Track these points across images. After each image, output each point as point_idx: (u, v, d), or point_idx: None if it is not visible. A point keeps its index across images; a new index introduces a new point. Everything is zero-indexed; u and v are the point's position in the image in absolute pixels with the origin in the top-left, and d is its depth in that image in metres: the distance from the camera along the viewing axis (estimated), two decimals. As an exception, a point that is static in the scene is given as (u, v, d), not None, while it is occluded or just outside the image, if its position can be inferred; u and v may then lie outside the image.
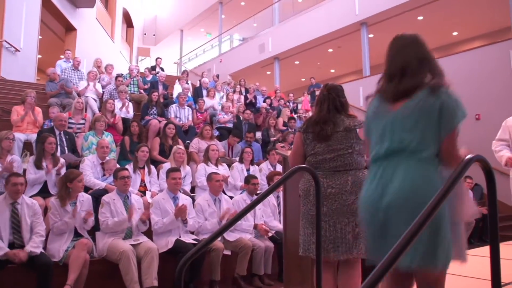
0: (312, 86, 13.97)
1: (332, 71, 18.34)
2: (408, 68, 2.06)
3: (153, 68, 12.55)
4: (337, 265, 2.84)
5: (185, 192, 5.49)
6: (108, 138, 6.22)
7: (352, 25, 13.62)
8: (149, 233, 4.73)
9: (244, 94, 11.50)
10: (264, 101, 10.83)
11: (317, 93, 13.44)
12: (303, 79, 17.56)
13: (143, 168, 5.70)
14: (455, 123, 1.87)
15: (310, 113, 11.76)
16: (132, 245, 4.32)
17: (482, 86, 9.68)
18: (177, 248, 4.38)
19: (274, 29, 16.82)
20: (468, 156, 1.39)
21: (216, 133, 8.55)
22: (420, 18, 13.19)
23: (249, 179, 5.40)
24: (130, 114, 8.12)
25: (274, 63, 16.59)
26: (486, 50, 10.36)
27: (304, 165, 2.68)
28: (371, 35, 13.81)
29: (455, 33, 14.40)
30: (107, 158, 5.64)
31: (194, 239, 4.66)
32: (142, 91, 10.09)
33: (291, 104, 11.85)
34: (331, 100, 2.95)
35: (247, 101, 10.83)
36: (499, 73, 9.54)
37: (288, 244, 3.45)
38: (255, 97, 11.10)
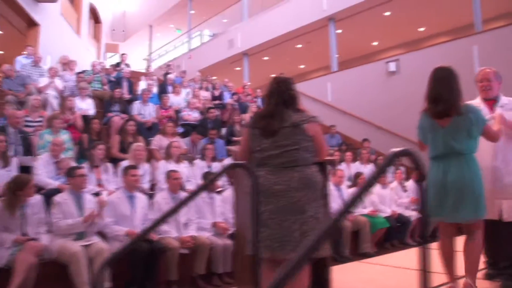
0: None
1: (302, 66, 18.34)
2: (445, 95, 3.12)
3: (118, 64, 12.30)
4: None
5: (143, 191, 5.35)
6: (64, 136, 6.03)
7: (320, 21, 13.61)
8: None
9: (210, 90, 11.38)
10: (231, 97, 10.74)
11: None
12: (273, 75, 17.50)
13: (99, 166, 5.55)
14: (484, 122, 3.18)
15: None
16: (85, 245, 4.18)
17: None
18: (132, 249, 4.26)
19: (243, 25, 16.72)
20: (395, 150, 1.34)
21: (181, 130, 8.43)
22: (388, 13, 13.26)
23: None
24: (92, 111, 7.92)
25: (243, 59, 16.49)
26: (450, 46, 10.49)
27: (240, 162, 2.60)
28: (339, 31, 13.83)
29: (421, 29, 14.53)
30: (62, 156, 5.46)
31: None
32: (106, 87, 9.87)
33: (259, 99, 11.76)
34: (280, 94, 2.87)
35: (213, 97, 10.71)
36: (462, 67, 9.50)
37: (239, 243, 3.38)
38: (221, 93, 10.99)
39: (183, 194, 5.13)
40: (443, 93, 3.10)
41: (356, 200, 1.31)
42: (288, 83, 2.93)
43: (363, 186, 1.27)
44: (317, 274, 2.95)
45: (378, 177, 1.28)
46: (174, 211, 2.08)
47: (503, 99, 3.70)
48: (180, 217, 4.88)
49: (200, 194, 5.06)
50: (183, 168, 5.98)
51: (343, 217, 1.41)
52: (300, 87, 11.48)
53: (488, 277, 3.83)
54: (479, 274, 3.53)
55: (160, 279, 4.54)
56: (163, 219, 2.12)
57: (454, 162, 3.11)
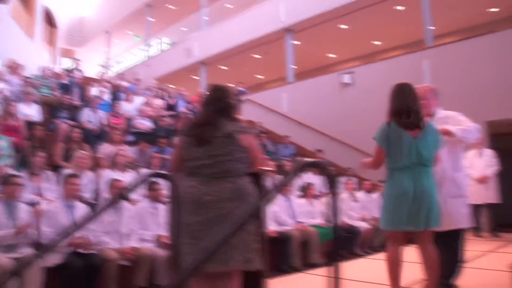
0: (238, 91, 13.89)
1: (259, 77, 18.40)
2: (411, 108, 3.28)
3: (70, 69, 11.97)
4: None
5: (84, 200, 5.16)
6: (1, 142, 5.76)
7: (278, 32, 13.72)
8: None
9: (165, 98, 11.22)
10: (186, 106, 10.62)
11: (242, 98, 13.43)
12: (231, 85, 17.49)
13: (39, 174, 5.32)
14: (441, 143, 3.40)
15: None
16: (14, 258, 3.96)
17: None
18: (69, 263, 4.07)
19: (201, 34, 16.65)
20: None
21: (131, 138, 8.23)
22: (344, 27, 13.49)
23: (152, 185, 5.14)
24: (37, 117, 7.64)
25: (201, 68, 16.40)
26: (403, 59, 10.75)
27: (161, 172, 2.51)
28: (296, 42, 13.95)
29: (377, 43, 14.85)
30: (-1, 164, 5.21)
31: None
32: (56, 93, 9.57)
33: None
34: (216, 102, 2.80)
35: (168, 106, 10.56)
36: (413, 81, 9.79)
37: (173, 255, 3.26)
38: (176, 102, 10.85)
39: (126, 204, 4.96)
40: (412, 106, 3.27)
41: (258, 209, 1.25)
42: (225, 91, 2.86)
43: (266, 195, 1.21)
44: (251, 287, 2.88)
45: (282, 187, 1.23)
46: (85, 221, 1.97)
47: (440, 114, 3.86)
48: (121, 228, 4.71)
49: (139, 203, 4.92)
50: (128, 177, 5.81)
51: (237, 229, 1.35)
52: (257, 97, 11.60)
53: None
54: (421, 284, 3.56)
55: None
56: (74, 229, 2.00)
57: (422, 173, 3.25)
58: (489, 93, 8.88)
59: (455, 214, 3.69)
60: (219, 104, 2.77)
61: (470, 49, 9.50)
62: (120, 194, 2.13)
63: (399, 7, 12.34)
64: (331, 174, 1.13)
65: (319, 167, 1.14)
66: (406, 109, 3.26)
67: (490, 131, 8.93)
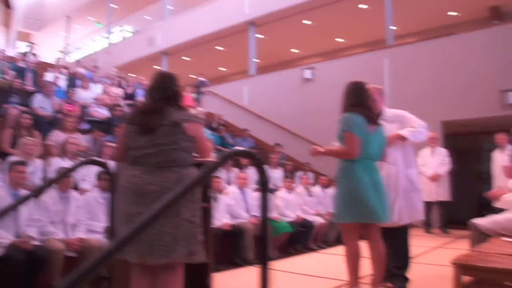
0: (199, 82, 13.76)
1: (222, 69, 18.28)
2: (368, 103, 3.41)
3: (24, 53, 11.55)
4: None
5: (30, 188, 4.96)
6: None
7: (241, 24, 13.62)
8: None
9: (123, 87, 10.98)
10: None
11: (204, 90, 13.31)
12: (193, 76, 17.33)
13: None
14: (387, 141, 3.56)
15: (192, 110, 11.54)
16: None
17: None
18: (9, 256, 3.90)
19: (164, 23, 16.37)
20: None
21: (86, 126, 8.00)
22: (308, 22, 13.52)
23: (101, 175, 4.98)
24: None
25: (163, 58, 16.14)
26: (364, 57, 10.86)
27: (96, 159, 2.42)
28: (260, 36, 13.90)
29: (340, 40, 14.97)
30: None
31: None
32: (7, 77, 9.20)
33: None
34: (163, 89, 2.71)
35: (126, 95, 10.33)
36: (374, 78, 9.96)
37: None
38: (134, 91, 10.64)
39: (74, 194, 4.81)
40: (369, 102, 3.41)
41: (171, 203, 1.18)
42: (173, 78, 2.78)
43: (186, 186, 1.15)
44: (195, 280, 2.83)
45: (206, 177, 1.18)
46: (9, 209, 1.87)
47: (387, 113, 3.92)
48: (68, 218, 4.56)
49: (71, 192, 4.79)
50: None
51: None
52: (218, 89, 11.50)
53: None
54: (367, 279, 3.61)
55: (44, 283, 4.21)
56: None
57: (375, 167, 3.36)
58: (445, 94, 9.09)
59: (410, 209, 3.78)
60: (166, 91, 2.68)
61: (429, 50, 9.68)
62: (33, 191, 2.02)
63: (362, 6, 12.46)
64: (262, 165, 1.08)
65: (249, 157, 1.08)
66: (362, 103, 3.35)
67: (444, 131, 9.15)
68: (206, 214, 2.88)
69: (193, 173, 2.62)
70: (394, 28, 11.44)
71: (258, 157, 1.08)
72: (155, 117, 2.60)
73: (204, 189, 2.80)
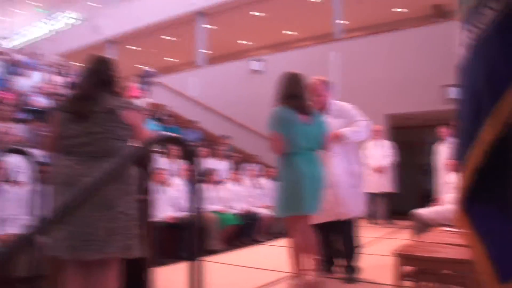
0: (145, 73, 13.43)
1: (170, 59, 17.94)
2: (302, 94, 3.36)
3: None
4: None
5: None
6: None
7: (189, 14, 13.41)
8: None
9: (66, 76, 10.54)
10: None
11: (150, 80, 13.00)
12: (140, 66, 16.93)
13: None
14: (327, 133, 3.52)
15: (137, 100, 11.25)
16: None
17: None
18: None
19: (109, 11, 15.85)
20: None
21: (24, 115, 7.59)
22: (257, 13, 13.45)
23: (35, 166, 4.66)
24: None
25: (108, 46, 15.65)
26: (311, 50, 10.95)
27: (20, 148, 2.25)
28: (209, 26, 13.72)
29: (289, 32, 15.00)
30: None
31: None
32: None
33: (120, 89, 11.15)
34: (98, 74, 2.55)
35: (67, 83, 9.92)
36: (321, 71, 10.01)
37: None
38: (76, 79, 10.22)
39: (6, 187, 4.53)
40: (302, 92, 3.37)
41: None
42: (108, 63, 2.62)
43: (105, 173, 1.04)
44: (133, 276, 2.70)
45: (126, 164, 1.07)
46: None
47: (334, 106, 3.95)
48: None
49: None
50: (13, 157, 5.31)
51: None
52: (166, 80, 11.21)
53: (323, 272, 3.93)
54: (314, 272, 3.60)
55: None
56: None
57: (314, 158, 3.34)
58: (389, 88, 9.29)
59: (352, 203, 3.84)
60: (100, 76, 2.52)
61: (374, 44, 9.85)
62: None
63: (311, -2, 12.54)
64: (192, 152, 0.99)
65: (177, 143, 0.99)
66: (296, 94, 3.33)
67: (389, 123, 9.34)
68: (144, 206, 2.75)
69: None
70: (342, 22, 11.57)
71: (188, 144, 0.98)
72: (89, 103, 2.43)
73: (142, 181, 2.66)
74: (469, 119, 1.57)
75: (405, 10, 12.85)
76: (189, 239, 5.12)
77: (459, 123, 1.67)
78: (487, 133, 1.46)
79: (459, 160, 1.66)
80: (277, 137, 3.26)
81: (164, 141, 1.11)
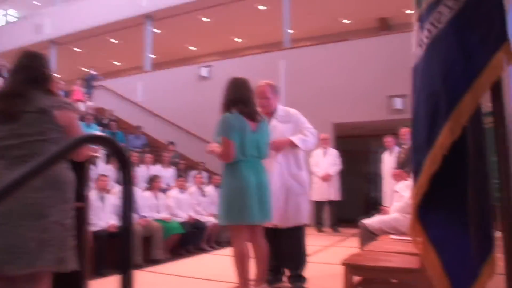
0: (90, 76, 13.00)
1: (117, 63, 17.47)
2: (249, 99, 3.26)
3: None
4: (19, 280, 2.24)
5: None
6: None
7: (137, 17, 13.09)
8: None
9: (2, 75, 9.98)
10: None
11: (94, 84, 12.58)
12: (85, 69, 16.39)
13: None
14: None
15: (81, 104, 10.86)
16: None
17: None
18: None
19: (54, 10, 15.25)
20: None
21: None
22: (206, 19, 13.33)
23: None
24: None
25: (51, 47, 15.03)
26: (261, 57, 10.90)
27: None
28: (156, 30, 13.46)
29: (238, 40, 14.96)
30: None
31: None
32: None
33: (62, 92, 10.71)
34: (29, 71, 2.32)
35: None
36: (270, 78, 9.99)
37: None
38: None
39: None
40: (249, 97, 3.27)
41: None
42: (41, 58, 2.39)
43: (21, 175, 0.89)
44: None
45: (46, 166, 0.92)
46: None
47: (280, 111, 3.88)
48: None
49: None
50: None
51: None
52: (111, 84, 10.80)
53: (271, 282, 3.83)
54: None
55: None
56: None
57: (260, 166, 3.25)
58: (337, 97, 9.38)
59: (299, 211, 3.77)
60: (32, 73, 2.30)
61: (323, 54, 9.95)
62: None
63: (261, 7, 12.54)
64: (123, 154, 0.86)
65: (105, 143, 0.86)
66: (245, 99, 3.22)
67: (336, 132, 9.44)
68: (81, 215, 2.56)
69: (65, 170, 2.29)
70: (291, 31, 11.65)
71: (118, 145, 0.86)
72: (18, 102, 2.20)
73: (79, 187, 2.47)
74: (424, 122, 1.54)
75: (352, 21, 13.12)
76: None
77: (413, 127, 1.62)
78: (445, 137, 1.42)
79: (413, 166, 1.61)
80: (228, 144, 3.12)
81: (92, 141, 0.97)
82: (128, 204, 0.94)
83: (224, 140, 3.12)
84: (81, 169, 2.57)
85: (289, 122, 3.81)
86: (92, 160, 2.62)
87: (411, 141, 1.66)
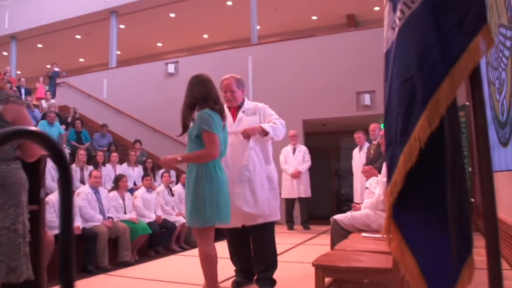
0: (53, 72, 12.61)
1: (81, 60, 17.02)
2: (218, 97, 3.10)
3: None
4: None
5: None
6: None
7: (102, 12, 12.75)
8: None
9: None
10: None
11: (58, 81, 12.21)
12: (48, 66, 15.91)
13: None
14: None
15: (44, 102, 10.52)
16: None
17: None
18: None
19: (13, 3, 14.66)
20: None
21: None
22: (173, 15, 13.11)
23: None
24: None
25: (11, 42, 14.49)
26: (229, 53, 10.77)
27: None
28: (122, 26, 13.15)
29: (205, 36, 14.77)
30: None
31: None
32: None
33: (23, 89, 10.35)
34: None
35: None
36: (238, 73, 9.92)
37: None
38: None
39: None
40: (216, 94, 3.11)
41: None
42: None
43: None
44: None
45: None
46: None
47: (247, 104, 3.79)
48: None
49: None
50: None
51: None
52: (75, 81, 10.47)
53: (237, 285, 3.71)
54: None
55: None
56: None
57: (221, 165, 3.12)
58: (306, 93, 9.33)
59: (268, 207, 3.63)
60: None
61: (291, 50, 9.88)
62: None
63: (229, 2, 12.39)
64: (59, 150, 0.74)
65: (38, 139, 0.73)
66: (214, 96, 3.07)
67: (305, 129, 9.38)
68: (36, 218, 2.39)
69: (15, 170, 2.11)
70: (259, 27, 11.56)
71: (53, 140, 0.73)
72: None
73: (33, 189, 2.30)
74: (398, 113, 1.40)
75: (320, 18, 13.10)
76: (103, 250, 4.64)
77: (385, 120, 1.48)
78: (422, 129, 1.28)
79: (387, 162, 1.49)
80: (216, 140, 2.95)
81: (20, 136, 0.83)
82: (67, 206, 0.81)
83: (212, 136, 2.92)
84: (35, 169, 2.40)
85: (256, 115, 3.72)
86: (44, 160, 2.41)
87: (384, 135, 1.52)
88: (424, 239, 1.39)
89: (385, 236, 1.44)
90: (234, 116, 3.74)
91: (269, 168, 3.73)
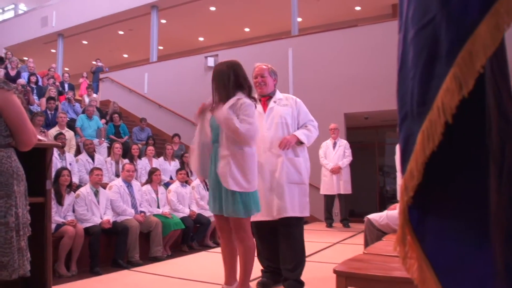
0: (96, 68, 12.79)
1: (125, 55, 17.22)
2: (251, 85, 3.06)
3: None
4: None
5: None
6: None
7: (143, 7, 12.80)
8: None
9: (7, 69, 9.80)
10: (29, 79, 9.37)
11: (101, 76, 12.37)
12: (92, 61, 16.21)
13: None
14: None
15: (86, 97, 10.66)
16: None
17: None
18: None
19: (59, 2, 15.02)
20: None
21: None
22: (213, 9, 13.00)
23: None
24: None
25: (58, 40, 14.84)
26: (269, 46, 10.53)
27: None
28: (163, 21, 13.17)
29: (247, 29, 14.60)
30: None
31: None
32: None
33: (66, 85, 10.50)
34: None
35: (7, 76, 9.21)
36: (279, 66, 9.67)
37: None
38: (18, 73, 9.54)
39: None
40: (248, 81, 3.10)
41: None
42: None
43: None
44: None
45: None
46: None
47: (278, 95, 3.65)
48: None
49: None
50: None
51: None
52: (117, 75, 10.56)
53: (263, 286, 3.50)
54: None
55: None
56: None
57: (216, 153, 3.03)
58: (348, 86, 8.96)
59: (296, 202, 3.42)
60: None
61: (333, 41, 9.55)
62: None
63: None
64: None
65: None
66: (249, 84, 3.07)
67: (346, 123, 9.04)
68: (41, 211, 2.26)
69: (5, 158, 1.98)
70: (300, 19, 11.28)
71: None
72: None
73: (38, 179, 2.17)
74: (415, 74, 0.94)
75: (364, 8, 12.66)
76: (134, 245, 4.51)
77: (398, 85, 1.03)
78: (449, 94, 0.84)
79: (400, 145, 1.02)
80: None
81: None
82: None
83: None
84: (41, 160, 2.27)
85: (288, 106, 3.56)
86: (51, 151, 2.27)
87: (398, 107, 1.03)
88: (453, 255, 0.95)
89: (398, 249, 1.02)
90: (265, 106, 3.60)
91: (296, 161, 3.50)
